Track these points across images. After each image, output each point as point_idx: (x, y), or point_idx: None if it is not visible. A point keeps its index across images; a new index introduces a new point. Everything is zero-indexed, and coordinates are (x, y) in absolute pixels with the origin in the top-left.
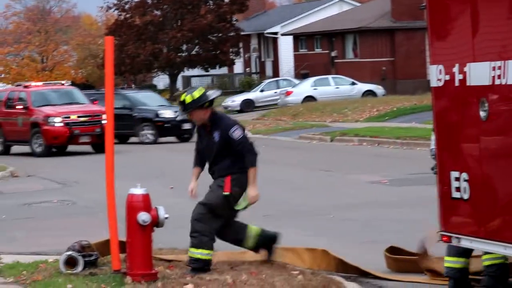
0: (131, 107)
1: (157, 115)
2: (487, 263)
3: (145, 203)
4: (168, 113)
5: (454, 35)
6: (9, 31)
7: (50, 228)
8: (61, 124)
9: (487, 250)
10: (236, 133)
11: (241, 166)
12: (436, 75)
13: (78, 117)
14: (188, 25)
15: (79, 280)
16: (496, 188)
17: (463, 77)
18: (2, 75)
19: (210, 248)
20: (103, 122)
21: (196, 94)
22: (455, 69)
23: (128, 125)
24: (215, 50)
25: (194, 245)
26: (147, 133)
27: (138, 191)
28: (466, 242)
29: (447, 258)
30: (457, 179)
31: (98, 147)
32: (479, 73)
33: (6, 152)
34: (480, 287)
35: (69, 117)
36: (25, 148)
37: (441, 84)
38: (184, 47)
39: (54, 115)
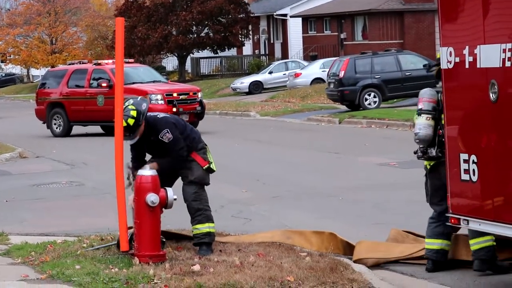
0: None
1: None
2: (475, 247)
3: (154, 184)
4: None
5: (465, 17)
6: (19, 12)
7: (58, 209)
8: (163, 102)
9: (496, 233)
10: (166, 136)
11: (192, 144)
12: (446, 57)
13: (178, 95)
14: (198, 7)
15: (87, 261)
16: (505, 170)
17: (473, 59)
18: (12, 56)
19: (213, 220)
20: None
21: (133, 113)
22: (465, 51)
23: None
24: (224, 32)
25: (200, 222)
26: None
27: (147, 172)
28: (474, 225)
29: (426, 240)
30: (466, 161)
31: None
32: (489, 55)
33: (67, 134)
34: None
35: (171, 95)
36: (84, 129)
37: (451, 66)
38: (194, 29)
39: (155, 93)
